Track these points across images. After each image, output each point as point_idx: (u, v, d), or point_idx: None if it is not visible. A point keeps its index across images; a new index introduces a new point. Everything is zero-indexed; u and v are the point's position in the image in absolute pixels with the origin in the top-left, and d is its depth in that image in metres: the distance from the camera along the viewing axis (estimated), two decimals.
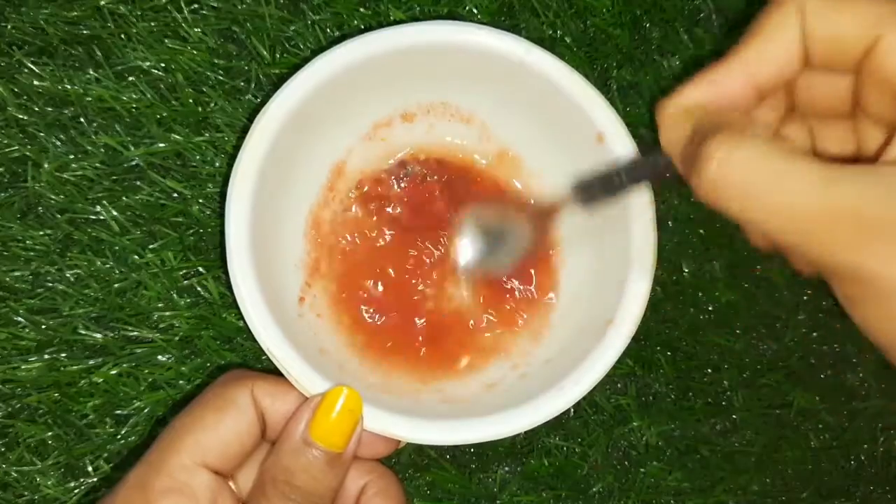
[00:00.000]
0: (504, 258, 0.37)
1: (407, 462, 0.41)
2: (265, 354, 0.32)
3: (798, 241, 0.23)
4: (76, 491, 0.39)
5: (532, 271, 0.38)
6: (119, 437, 0.40)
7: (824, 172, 0.22)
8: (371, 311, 0.37)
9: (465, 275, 0.38)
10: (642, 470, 0.43)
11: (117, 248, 0.40)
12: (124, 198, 0.40)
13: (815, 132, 0.29)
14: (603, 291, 0.35)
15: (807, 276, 0.30)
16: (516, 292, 0.38)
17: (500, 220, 0.37)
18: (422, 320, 0.38)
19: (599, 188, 0.33)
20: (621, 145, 0.34)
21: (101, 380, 0.39)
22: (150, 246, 0.40)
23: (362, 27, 0.41)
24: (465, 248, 0.38)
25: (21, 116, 0.40)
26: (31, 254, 0.40)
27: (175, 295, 0.40)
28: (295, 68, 0.34)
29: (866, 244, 0.22)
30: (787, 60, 0.26)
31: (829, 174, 0.22)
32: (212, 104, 0.40)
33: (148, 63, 0.40)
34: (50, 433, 0.39)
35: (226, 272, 0.33)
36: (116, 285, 0.40)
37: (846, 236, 0.22)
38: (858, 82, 0.26)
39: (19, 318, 0.39)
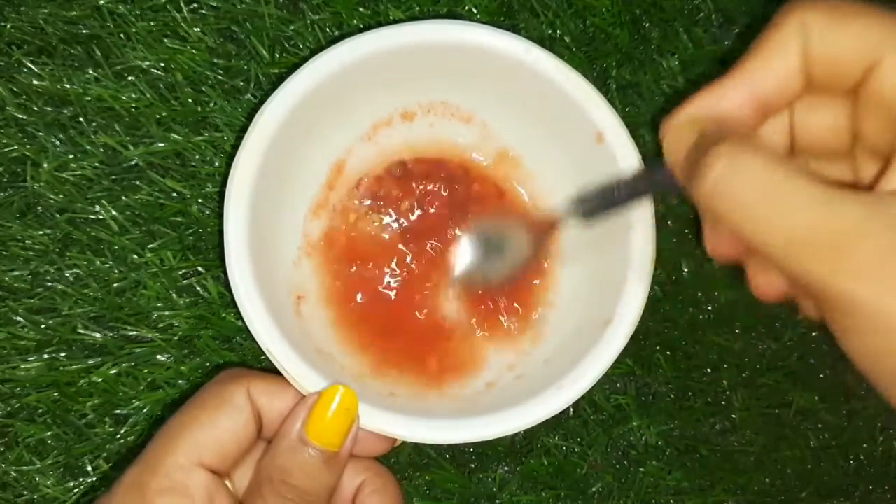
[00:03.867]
0: (500, 269, 0.37)
1: (406, 461, 0.41)
2: (264, 354, 0.32)
3: (791, 259, 0.22)
4: (75, 490, 0.39)
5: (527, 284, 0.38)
6: (118, 436, 0.40)
7: (826, 193, 0.22)
8: (369, 310, 0.37)
9: (460, 285, 0.37)
10: (642, 469, 0.43)
11: (116, 247, 0.40)
12: (123, 197, 0.40)
13: (817, 168, 0.29)
14: (602, 291, 0.35)
15: (765, 298, 0.29)
16: (502, 319, 0.38)
17: (498, 232, 0.37)
18: (421, 319, 0.38)
19: (600, 202, 0.33)
20: (621, 145, 0.34)
21: (101, 379, 0.39)
22: (150, 245, 0.40)
23: (361, 27, 0.41)
24: (463, 258, 0.38)
25: (20, 116, 0.40)
26: (31, 253, 0.40)
27: (174, 294, 0.40)
28: (294, 68, 0.34)
29: (861, 272, 0.21)
30: (789, 77, 0.25)
31: (831, 195, 0.22)
32: (211, 104, 0.40)
33: (147, 63, 0.40)
34: (49, 433, 0.39)
35: (225, 272, 0.33)
36: (116, 285, 0.40)
37: (841, 261, 0.21)
38: (857, 108, 0.26)
39: (18, 318, 0.39)
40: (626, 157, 0.34)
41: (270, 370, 0.32)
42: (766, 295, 0.29)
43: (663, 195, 0.39)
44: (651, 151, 0.41)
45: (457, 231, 0.38)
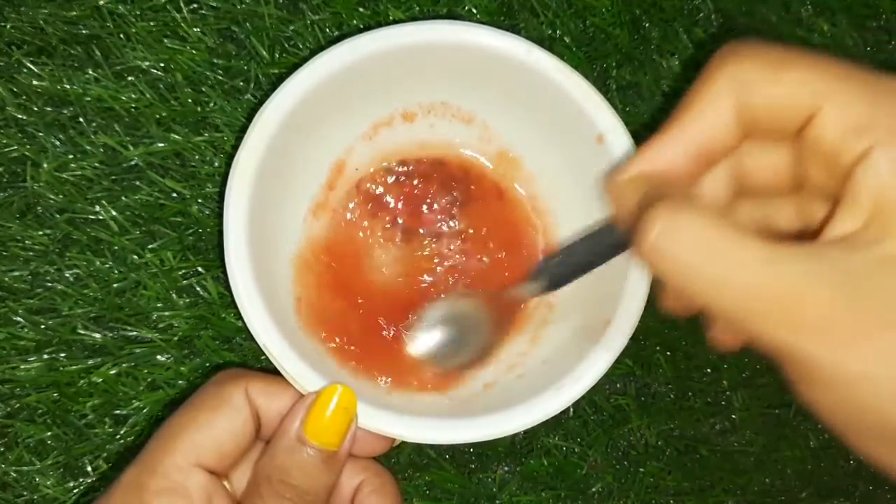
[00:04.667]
0: (465, 348, 0.36)
1: (406, 462, 0.41)
2: (264, 354, 0.32)
3: (738, 318, 0.22)
4: (75, 491, 0.39)
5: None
6: (118, 436, 0.40)
7: (765, 250, 0.21)
8: (368, 310, 0.37)
9: (424, 361, 0.37)
10: (641, 470, 0.43)
11: (116, 247, 0.40)
12: (123, 198, 0.40)
13: (765, 210, 0.29)
14: (602, 291, 0.35)
15: (724, 348, 0.29)
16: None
17: (462, 313, 0.37)
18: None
19: (560, 270, 0.33)
20: (621, 146, 0.34)
21: (101, 380, 0.39)
22: (150, 246, 0.40)
23: (361, 27, 0.41)
24: (424, 341, 0.37)
25: (20, 116, 0.40)
26: (30, 254, 0.40)
27: (174, 295, 0.40)
28: (294, 68, 0.34)
29: (809, 330, 0.21)
30: (723, 129, 0.25)
31: (770, 252, 0.21)
32: (211, 104, 0.40)
33: (147, 63, 0.40)
34: (49, 433, 0.39)
35: (225, 272, 0.33)
36: (115, 285, 0.40)
37: (786, 317, 0.21)
38: (798, 152, 0.25)
39: (18, 318, 0.39)
40: (626, 158, 0.34)
41: (270, 370, 0.32)
42: (725, 347, 0.29)
43: None
44: None
45: (416, 321, 0.37)
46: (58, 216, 0.40)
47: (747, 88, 0.24)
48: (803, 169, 0.26)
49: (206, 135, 0.40)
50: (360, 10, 0.41)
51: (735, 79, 0.24)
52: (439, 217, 0.38)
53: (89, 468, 0.40)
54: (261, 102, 0.34)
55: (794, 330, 0.21)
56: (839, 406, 0.22)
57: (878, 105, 0.23)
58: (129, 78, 0.40)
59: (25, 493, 0.39)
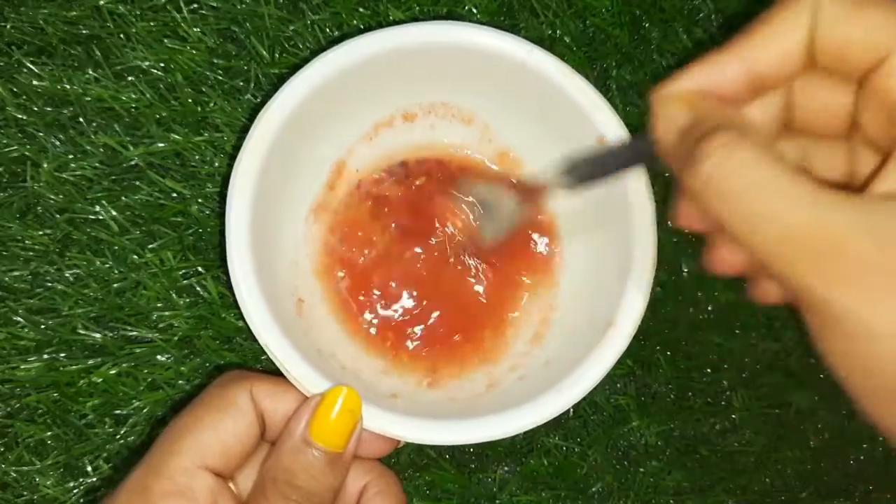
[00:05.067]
0: (491, 230, 0.36)
1: (406, 462, 0.41)
2: (265, 354, 0.32)
3: (773, 258, 0.22)
4: (75, 491, 0.39)
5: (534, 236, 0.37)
6: (118, 436, 0.40)
7: (815, 194, 0.21)
8: (370, 310, 0.37)
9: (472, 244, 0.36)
10: (641, 469, 0.43)
11: (116, 247, 0.40)
12: (123, 198, 0.40)
13: (809, 153, 0.28)
14: (603, 292, 0.35)
15: (724, 271, 0.29)
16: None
17: (488, 195, 0.36)
18: (420, 320, 0.38)
19: (588, 169, 0.32)
20: None
21: (101, 380, 0.39)
22: (150, 246, 0.40)
23: (361, 27, 0.41)
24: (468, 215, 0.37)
25: (20, 116, 0.40)
26: (31, 254, 0.39)
27: (174, 295, 0.40)
28: (294, 68, 0.34)
29: (843, 279, 0.21)
30: (790, 58, 0.25)
31: (819, 196, 0.21)
32: (211, 104, 0.40)
33: (147, 63, 0.40)
34: (49, 433, 0.39)
35: (225, 272, 0.33)
36: (116, 285, 0.40)
37: (824, 266, 0.21)
38: (859, 97, 0.25)
39: (18, 318, 0.39)
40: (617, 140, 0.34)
41: (271, 371, 0.32)
42: (721, 268, 0.28)
43: (664, 192, 0.39)
44: None
45: (453, 203, 0.38)
46: (58, 216, 0.40)
47: (823, 21, 0.24)
48: (859, 115, 0.25)
49: (207, 135, 0.40)
50: (360, 10, 0.41)
51: (812, 9, 0.24)
52: (439, 217, 0.38)
53: (89, 468, 0.40)
54: (261, 102, 0.34)
55: (829, 277, 0.21)
56: (857, 361, 0.22)
57: None
58: (129, 78, 0.40)
59: (25, 493, 0.39)
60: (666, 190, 0.42)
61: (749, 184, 0.22)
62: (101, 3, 0.40)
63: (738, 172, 0.22)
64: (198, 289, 0.40)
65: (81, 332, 0.39)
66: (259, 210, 0.33)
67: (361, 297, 0.37)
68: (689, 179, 0.23)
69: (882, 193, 0.22)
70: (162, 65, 0.40)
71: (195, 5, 0.41)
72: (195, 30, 0.40)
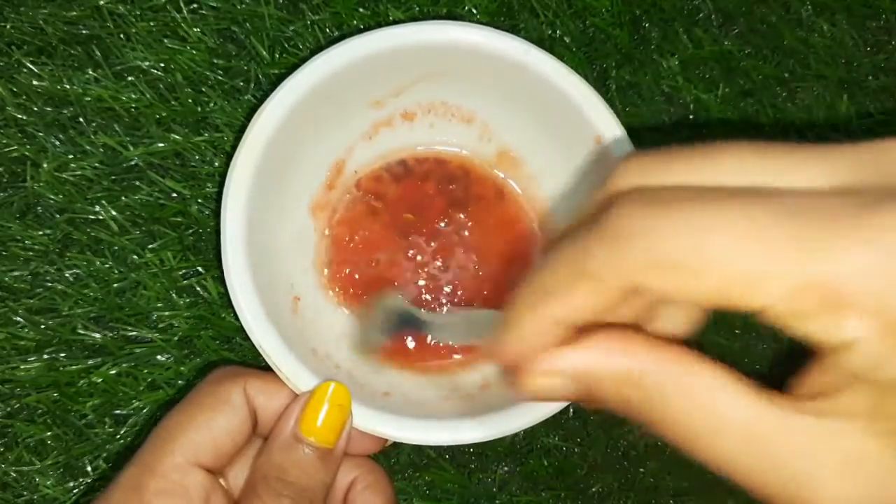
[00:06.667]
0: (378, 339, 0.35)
1: (406, 462, 0.41)
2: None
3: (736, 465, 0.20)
4: (75, 491, 0.39)
5: None
6: (118, 436, 0.40)
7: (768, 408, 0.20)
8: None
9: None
10: (641, 470, 0.43)
11: (116, 247, 0.40)
12: (123, 198, 0.40)
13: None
14: None
15: None
16: None
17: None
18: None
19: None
20: (619, 147, 0.34)
21: (101, 380, 0.39)
22: (150, 246, 0.40)
23: (361, 27, 0.41)
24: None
25: (20, 116, 0.40)
26: (30, 254, 0.40)
27: (174, 295, 0.40)
28: (294, 68, 0.34)
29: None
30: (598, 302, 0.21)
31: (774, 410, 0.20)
32: (211, 104, 0.40)
33: (147, 63, 0.40)
34: (49, 433, 0.39)
35: (223, 271, 0.33)
36: (115, 285, 0.40)
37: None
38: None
39: (18, 318, 0.39)
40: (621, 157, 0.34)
41: (268, 369, 0.33)
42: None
43: None
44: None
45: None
46: (58, 216, 0.40)
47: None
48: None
49: (206, 135, 0.40)
50: (360, 10, 0.41)
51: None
52: (439, 217, 0.38)
53: (89, 468, 0.40)
54: (261, 102, 0.34)
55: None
56: None
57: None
58: (129, 78, 0.40)
59: (25, 493, 0.39)
60: None
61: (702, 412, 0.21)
62: (101, 3, 0.40)
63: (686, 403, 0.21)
64: (198, 289, 0.40)
65: (81, 332, 0.39)
66: (256, 207, 0.33)
67: (358, 296, 0.37)
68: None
69: (812, 395, 0.20)
70: (162, 65, 0.40)
71: (195, 5, 0.41)
72: (195, 30, 0.40)
